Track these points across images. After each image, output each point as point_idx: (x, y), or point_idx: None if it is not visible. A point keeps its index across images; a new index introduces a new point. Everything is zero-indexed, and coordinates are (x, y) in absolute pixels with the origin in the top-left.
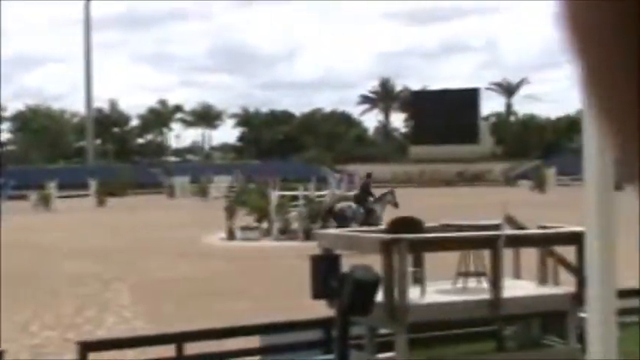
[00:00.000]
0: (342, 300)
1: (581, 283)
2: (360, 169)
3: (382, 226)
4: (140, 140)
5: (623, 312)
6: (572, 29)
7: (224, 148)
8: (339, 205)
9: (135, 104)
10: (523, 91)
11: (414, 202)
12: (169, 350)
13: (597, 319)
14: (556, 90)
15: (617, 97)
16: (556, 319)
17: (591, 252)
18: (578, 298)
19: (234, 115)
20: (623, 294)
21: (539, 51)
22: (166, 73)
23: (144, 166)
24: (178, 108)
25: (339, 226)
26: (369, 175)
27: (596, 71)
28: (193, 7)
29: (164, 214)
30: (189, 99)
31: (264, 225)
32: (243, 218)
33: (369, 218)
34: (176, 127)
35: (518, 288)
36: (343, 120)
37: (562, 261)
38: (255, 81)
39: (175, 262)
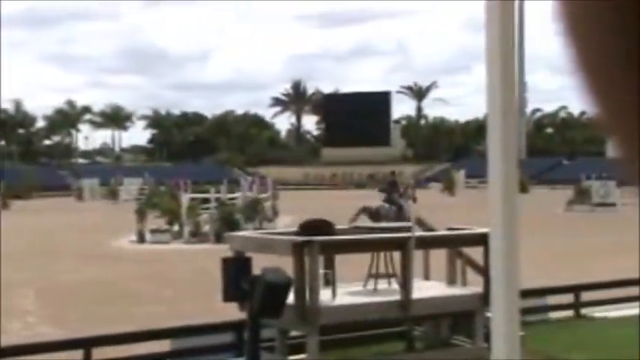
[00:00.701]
0: (253, 302)
1: (488, 283)
2: (272, 172)
3: (294, 229)
4: (47, 142)
5: (527, 311)
6: (569, 29)
7: (134, 150)
8: (375, 205)
9: (41, 105)
10: (433, 94)
11: (325, 204)
12: (77, 356)
13: (501, 318)
14: (465, 94)
15: (615, 96)
16: (464, 319)
17: (495, 253)
18: (485, 298)
19: (144, 117)
20: (527, 294)
21: (449, 55)
22: (73, 73)
23: (52, 168)
24: (87, 109)
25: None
26: (393, 173)
27: (594, 71)
28: (100, 7)
29: (72, 217)
30: (97, 100)
31: (175, 228)
32: (154, 221)
33: (400, 215)
34: (84, 128)
35: (427, 289)
36: (255, 122)
37: (470, 262)
38: (164, 82)
39: (84, 266)
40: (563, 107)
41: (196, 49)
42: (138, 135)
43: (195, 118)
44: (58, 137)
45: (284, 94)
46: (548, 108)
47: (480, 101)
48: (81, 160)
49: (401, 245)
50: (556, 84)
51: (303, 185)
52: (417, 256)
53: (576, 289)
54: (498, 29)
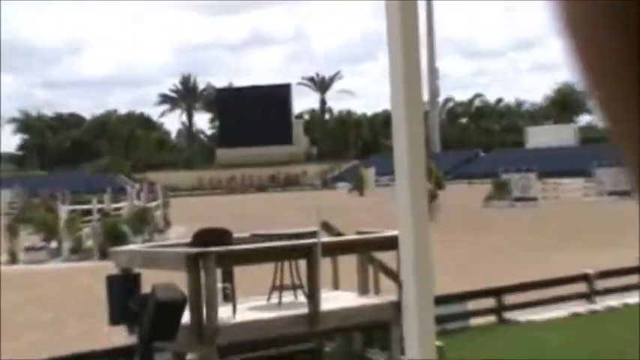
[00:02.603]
0: (143, 324)
1: (401, 289)
2: (162, 178)
3: (187, 240)
4: None
5: (445, 319)
6: (569, 29)
7: (2, 158)
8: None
9: None
10: (337, 85)
11: (222, 211)
12: None
13: (415, 327)
14: (372, 84)
15: (615, 96)
16: (379, 331)
17: (406, 256)
18: (400, 307)
19: (12, 120)
20: (444, 300)
21: (353, 42)
22: None
23: None
24: None
25: None
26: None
27: (595, 71)
28: None
29: None
30: None
31: (53, 244)
32: (28, 238)
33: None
34: None
35: (337, 299)
36: (141, 122)
37: (382, 268)
38: (34, 80)
39: None
40: (479, 95)
41: (69, 43)
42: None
43: (72, 120)
44: None
45: (172, 90)
46: (462, 96)
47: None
48: None
49: (306, 253)
50: (469, 69)
51: (198, 191)
52: (325, 264)
53: (498, 293)
54: (399, 9)
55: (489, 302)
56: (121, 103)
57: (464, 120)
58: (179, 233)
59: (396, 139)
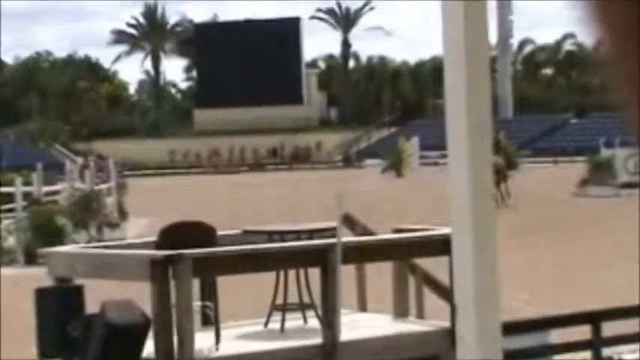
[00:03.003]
0: (88, 357)
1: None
2: (116, 150)
3: (152, 238)
4: None
5: (518, 354)
6: (602, 25)
7: None
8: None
9: None
10: (366, 21)
11: (201, 198)
12: None
13: None
14: (415, 20)
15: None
16: None
17: (461, 265)
18: (454, 336)
19: None
20: (517, 327)
21: None
22: None
23: None
24: None
25: None
26: None
27: (626, 63)
28: None
29: None
30: None
31: None
32: None
33: None
34: None
35: (364, 325)
36: (86, 70)
37: (428, 280)
38: None
39: None
40: (570, 35)
41: None
42: None
43: None
44: None
45: (131, 25)
46: (546, 37)
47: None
48: None
49: (320, 258)
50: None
51: (167, 169)
52: (347, 274)
53: (595, 318)
54: None
55: (582, 332)
56: (57, 42)
57: (548, 71)
58: (140, 228)
59: (450, 99)
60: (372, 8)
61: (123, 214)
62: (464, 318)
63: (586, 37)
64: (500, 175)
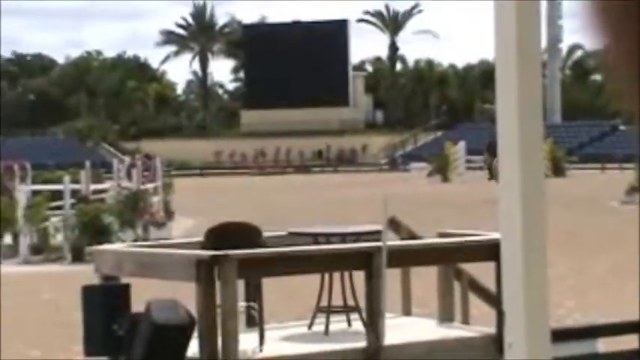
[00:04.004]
0: (133, 356)
1: (502, 319)
2: (163, 149)
3: (197, 239)
4: None
5: None
6: (601, 20)
7: None
8: None
9: None
10: (414, 24)
11: (247, 199)
12: None
13: None
14: (463, 23)
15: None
16: None
17: (510, 271)
18: (500, 342)
19: None
20: (565, 335)
21: None
22: None
23: None
24: None
25: None
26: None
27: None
28: None
29: None
30: None
31: (7, 240)
32: None
33: None
34: None
35: (408, 329)
36: (135, 70)
37: (474, 286)
38: None
39: None
40: None
41: None
42: None
43: (37, 64)
44: None
45: (180, 26)
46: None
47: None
48: None
49: (366, 261)
50: None
51: (214, 169)
52: (392, 277)
53: None
54: None
55: (629, 341)
56: (106, 41)
57: (597, 77)
58: (186, 228)
59: (502, 102)
60: (420, 11)
61: (169, 214)
62: (512, 325)
63: (590, 42)
64: None
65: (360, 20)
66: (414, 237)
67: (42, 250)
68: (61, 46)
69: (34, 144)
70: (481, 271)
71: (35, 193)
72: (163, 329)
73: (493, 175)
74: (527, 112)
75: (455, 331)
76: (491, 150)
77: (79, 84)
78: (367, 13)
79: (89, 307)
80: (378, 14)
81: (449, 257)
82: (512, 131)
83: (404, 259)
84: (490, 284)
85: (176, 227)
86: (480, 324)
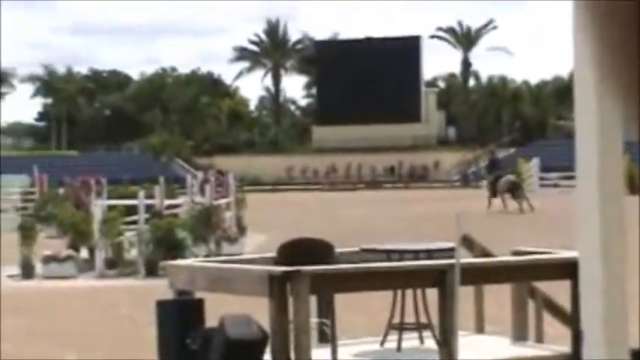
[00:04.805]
0: None
1: (578, 338)
2: (236, 164)
3: (270, 254)
4: None
5: None
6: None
7: (16, 130)
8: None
9: None
10: (488, 40)
11: (319, 214)
12: None
13: None
14: (537, 40)
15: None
16: None
17: (588, 290)
18: None
19: (31, 79)
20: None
21: None
22: None
23: None
24: None
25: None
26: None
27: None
28: None
29: None
30: None
31: (83, 254)
32: (49, 243)
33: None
34: None
35: (482, 347)
36: (208, 86)
37: (549, 304)
38: (57, 21)
39: None
40: None
41: None
42: (21, 106)
43: (113, 80)
44: None
45: (253, 42)
46: None
47: (562, 51)
48: None
49: (439, 278)
50: None
51: (285, 185)
52: (466, 295)
53: None
54: None
55: None
56: (181, 58)
57: None
58: (258, 244)
59: (580, 119)
60: (494, 27)
61: (241, 229)
62: (591, 344)
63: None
64: (518, 191)
65: (433, 36)
66: (487, 255)
67: (116, 264)
68: (136, 63)
69: (109, 159)
70: (554, 290)
71: (110, 207)
72: (237, 344)
73: (493, 192)
74: (606, 129)
75: (529, 350)
76: (491, 168)
77: (154, 100)
78: (440, 29)
79: (163, 321)
80: (450, 30)
81: (523, 275)
82: (591, 148)
83: (477, 276)
84: (564, 302)
85: (248, 243)
86: (555, 343)
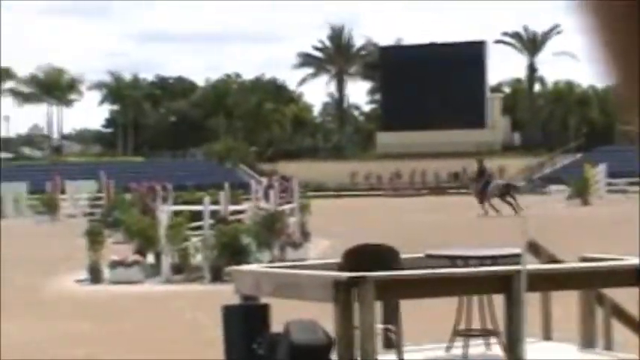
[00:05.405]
0: None
1: None
2: (300, 170)
3: (334, 260)
4: None
5: None
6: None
7: (83, 136)
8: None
9: None
10: (553, 45)
11: (383, 220)
12: None
13: None
14: None
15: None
16: None
17: None
18: None
19: (98, 86)
20: None
21: None
22: None
23: None
24: (7, 73)
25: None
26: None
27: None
28: None
29: None
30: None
31: (150, 259)
32: (116, 248)
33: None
34: (4, 103)
35: (549, 354)
36: (273, 92)
37: (617, 312)
38: (126, 29)
39: (5, 323)
40: None
41: None
42: (89, 113)
43: (179, 87)
44: None
45: (317, 49)
46: None
47: None
48: None
49: (505, 285)
50: None
51: (349, 191)
52: (532, 302)
53: None
54: None
55: None
56: (245, 64)
57: None
58: (322, 249)
59: None
60: (559, 32)
61: (305, 235)
62: None
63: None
64: (508, 193)
65: (498, 41)
66: (554, 261)
67: (182, 269)
68: (201, 70)
69: (174, 165)
70: (623, 297)
71: (176, 213)
72: (302, 349)
73: (481, 198)
74: None
75: (597, 357)
76: (479, 176)
77: (219, 106)
78: (505, 34)
79: (229, 326)
80: (516, 35)
81: (591, 282)
82: None
83: (544, 283)
84: (633, 309)
85: (313, 248)
86: (624, 350)
